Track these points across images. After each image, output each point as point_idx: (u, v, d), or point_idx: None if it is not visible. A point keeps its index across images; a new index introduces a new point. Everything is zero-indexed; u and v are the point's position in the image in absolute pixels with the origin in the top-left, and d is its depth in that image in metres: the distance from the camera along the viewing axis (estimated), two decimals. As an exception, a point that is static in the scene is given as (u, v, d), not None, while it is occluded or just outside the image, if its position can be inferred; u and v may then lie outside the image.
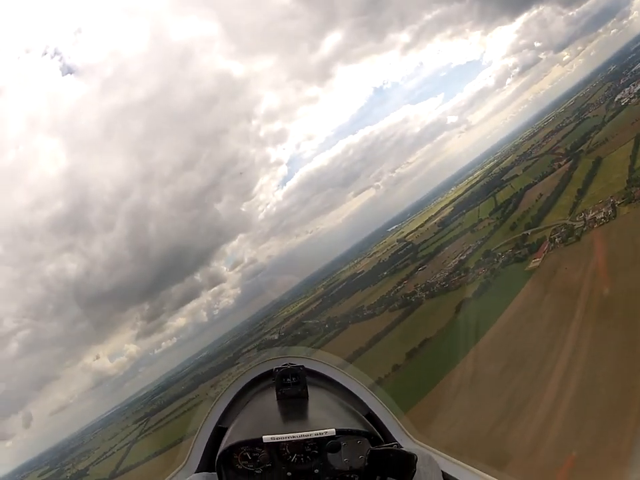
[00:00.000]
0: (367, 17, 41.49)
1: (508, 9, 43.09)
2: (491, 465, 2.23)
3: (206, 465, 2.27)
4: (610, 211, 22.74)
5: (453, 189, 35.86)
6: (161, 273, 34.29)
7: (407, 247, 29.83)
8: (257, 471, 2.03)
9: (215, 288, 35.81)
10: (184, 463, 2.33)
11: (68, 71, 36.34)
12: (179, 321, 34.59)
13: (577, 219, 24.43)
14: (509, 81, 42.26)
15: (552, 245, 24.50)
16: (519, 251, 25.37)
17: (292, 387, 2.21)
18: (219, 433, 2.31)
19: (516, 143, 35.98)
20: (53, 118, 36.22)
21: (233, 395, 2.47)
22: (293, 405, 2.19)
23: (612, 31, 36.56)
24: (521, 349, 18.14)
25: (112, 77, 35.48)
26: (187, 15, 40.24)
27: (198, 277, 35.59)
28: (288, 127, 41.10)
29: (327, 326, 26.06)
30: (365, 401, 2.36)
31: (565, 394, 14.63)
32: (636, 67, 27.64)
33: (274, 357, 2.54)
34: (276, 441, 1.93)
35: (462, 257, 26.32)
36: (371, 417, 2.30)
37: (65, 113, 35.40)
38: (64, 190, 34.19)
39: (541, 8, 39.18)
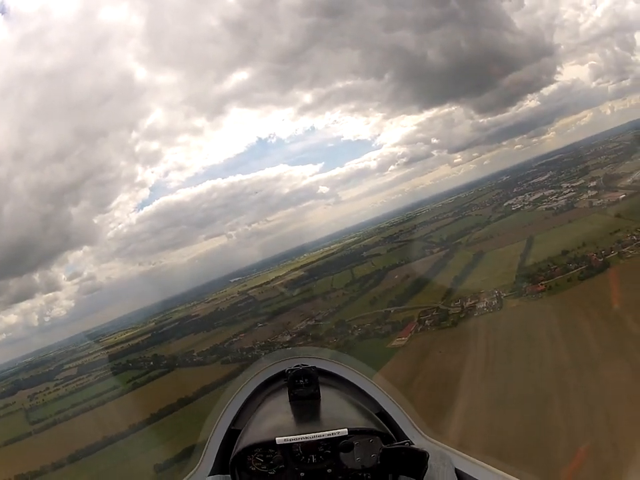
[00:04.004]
0: (283, 66, 41.62)
1: (422, 100, 44.23)
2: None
3: (219, 467, 2.25)
4: (495, 301, 21.28)
5: (305, 255, 34.22)
6: (2, 260, 31.91)
7: (249, 301, 28.78)
8: (271, 472, 2.00)
9: (50, 294, 34.21)
10: (197, 466, 2.30)
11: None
12: (11, 317, 32.71)
13: (453, 305, 22.65)
14: (392, 167, 41.55)
15: (421, 326, 22.52)
16: (379, 327, 23.48)
17: (304, 388, 2.17)
18: (231, 435, 2.26)
19: (382, 226, 34.72)
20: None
21: (246, 396, 2.43)
22: (306, 406, 2.16)
23: (516, 146, 38.00)
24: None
25: (19, 38, 33.50)
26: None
27: (37, 277, 33.63)
28: (164, 150, 41.00)
29: (151, 363, 24.83)
30: (377, 400, 2.33)
31: None
32: (534, 180, 28.37)
33: (285, 357, 2.47)
34: (289, 442, 1.92)
35: (310, 322, 25.05)
36: (383, 415, 2.26)
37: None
38: None
39: (453, 108, 39.72)
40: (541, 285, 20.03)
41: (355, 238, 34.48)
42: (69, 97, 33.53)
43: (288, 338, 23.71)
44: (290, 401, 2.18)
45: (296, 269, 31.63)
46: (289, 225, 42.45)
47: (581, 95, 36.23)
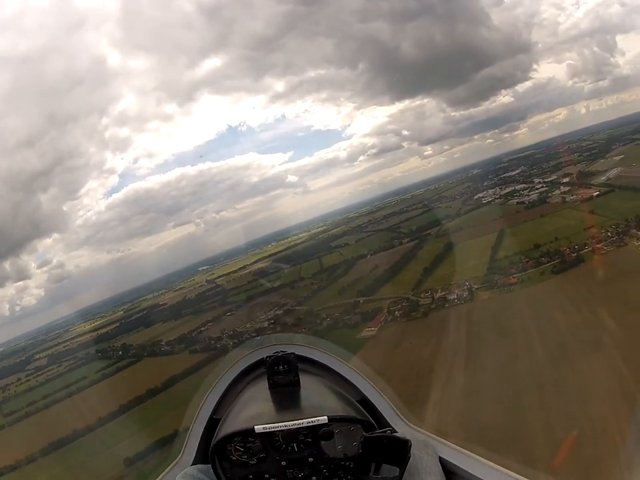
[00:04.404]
0: (256, 53, 40.33)
1: (394, 91, 43.46)
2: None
3: (201, 457, 2.25)
4: (465, 293, 21.28)
5: (273, 244, 34.42)
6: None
7: (217, 289, 28.83)
8: (251, 462, 1.98)
9: (20, 283, 33.52)
10: (180, 456, 2.30)
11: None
12: (-19, 307, 32.14)
13: (423, 296, 22.56)
14: (361, 158, 40.83)
15: (391, 316, 22.33)
16: (348, 317, 23.19)
17: (283, 375, 2.14)
18: (213, 424, 2.24)
19: (350, 216, 34.42)
20: None
21: (226, 385, 2.41)
22: (285, 394, 2.13)
23: (488, 141, 37.51)
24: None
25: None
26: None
27: (7, 265, 32.63)
28: (134, 137, 38.99)
29: (120, 353, 24.65)
30: (358, 387, 2.31)
31: None
32: (505, 174, 28.46)
33: (265, 344, 2.45)
34: (268, 430, 1.88)
35: (278, 311, 24.75)
36: (365, 402, 2.25)
37: None
38: None
39: (426, 100, 38.75)
40: (513, 277, 20.04)
41: (323, 227, 34.21)
42: (41, 82, 32.00)
43: (256, 327, 23.41)
44: (269, 388, 2.15)
45: (264, 258, 31.46)
46: (257, 214, 42.14)
47: (555, 93, 36.52)
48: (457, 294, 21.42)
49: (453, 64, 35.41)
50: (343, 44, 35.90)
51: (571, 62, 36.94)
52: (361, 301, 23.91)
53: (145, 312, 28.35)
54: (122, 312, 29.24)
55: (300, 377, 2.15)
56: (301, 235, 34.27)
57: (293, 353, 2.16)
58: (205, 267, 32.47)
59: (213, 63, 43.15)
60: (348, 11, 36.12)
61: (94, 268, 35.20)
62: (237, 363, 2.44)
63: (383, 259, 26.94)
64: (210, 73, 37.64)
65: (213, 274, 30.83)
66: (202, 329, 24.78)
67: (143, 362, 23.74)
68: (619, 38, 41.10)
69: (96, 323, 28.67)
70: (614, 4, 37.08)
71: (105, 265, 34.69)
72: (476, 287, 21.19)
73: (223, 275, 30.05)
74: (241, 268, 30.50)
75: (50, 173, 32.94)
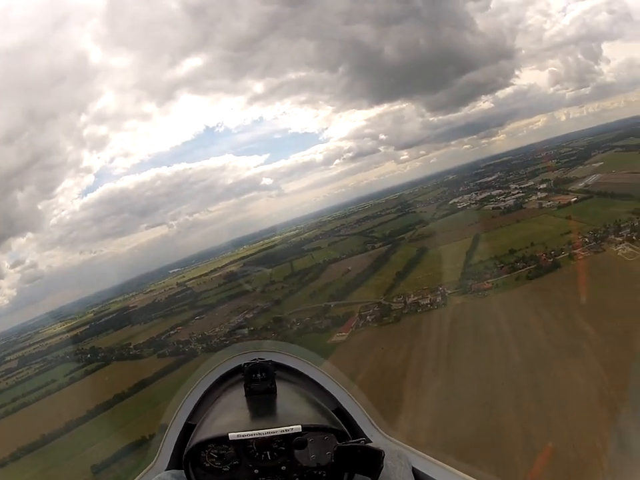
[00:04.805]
0: (237, 53, 39.29)
1: (373, 95, 42.70)
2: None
3: (175, 462, 2.24)
4: (439, 298, 20.94)
5: (245, 246, 34.09)
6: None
7: (187, 292, 28.65)
8: (225, 469, 1.98)
9: None
10: (154, 460, 2.30)
11: None
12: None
13: (395, 300, 22.22)
14: (337, 162, 40.41)
15: (362, 321, 21.94)
16: (318, 321, 22.76)
17: (260, 383, 2.15)
18: (188, 429, 2.22)
19: (323, 220, 34.07)
20: None
21: (203, 390, 2.40)
22: (261, 401, 2.13)
23: (465, 146, 36.94)
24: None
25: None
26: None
27: None
28: (111, 135, 37.59)
29: (88, 356, 24.47)
30: (334, 395, 2.32)
31: None
32: (481, 180, 28.39)
33: (243, 351, 2.47)
34: (242, 438, 1.89)
35: (248, 315, 24.44)
36: (341, 411, 2.26)
37: None
38: None
39: (405, 105, 38.55)
40: (488, 282, 19.71)
41: (296, 231, 33.87)
42: (21, 77, 31.00)
43: (225, 331, 23.31)
44: (245, 395, 2.16)
45: (235, 261, 31.33)
46: (230, 216, 41.09)
47: (536, 100, 36.46)
48: (430, 299, 21.04)
49: (436, 69, 35.40)
50: (325, 46, 35.65)
51: (554, 69, 36.80)
52: (332, 305, 23.42)
53: (114, 314, 28.29)
54: (92, 314, 29.18)
55: (277, 384, 2.15)
56: (273, 238, 34.01)
57: (271, 361, 2.17)
58: (176, 270, 32.39)
59: (194, 62, 42.54)
60: (333, 12, 35.97)
61: (66, 268, 34.37)
62: (214, 369, 2.45)
63: (356, 263, 26.47)
64: (190, 72, 37.47)
65: (184, 277, 30.76)
66: (171, 332, 24.63)
67: (111, 365, 23.61)
68: (605, 45, 41.47)
69: (66, 325, 28.33)
70: (602, 11, 36.54)
71: (77, 266, 33.91)
72: (449, 291, 20.85)
73: (194, 278, 29.95)
74: (212, 271, 30.37)
75: (27, 171, 32.57)
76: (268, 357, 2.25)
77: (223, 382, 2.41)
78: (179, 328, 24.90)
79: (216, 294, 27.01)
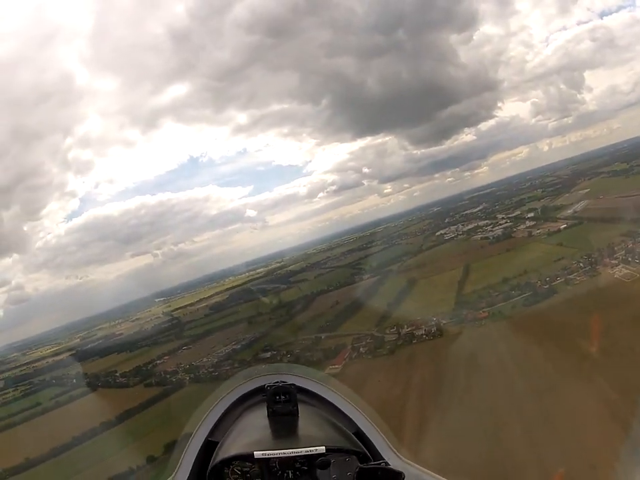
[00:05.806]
0: (220, 83, 41.53)
1: (356, 128, 43.67)
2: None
3: (195, 477, 2.24)
4: (434, 329, 20.61)
5: (230, 278, 33.77)
6: None
7: (173, 322, 28.45)
8: None
9: None
10: (173, 475, 2.28)
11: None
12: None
13: (388, 332, 21.85)
14: (321, 195, 41.16)
15: (355, 353, 21.63)
16: (309, 353, 22.40)
17: (283, 405, 2.19)
18: (208, 446, 2.26)
19: (308, 252, 34.18)
20: None
21: (224, 409, 2.43)
22: (284, 422, 2.18)
23: (448, 179, 37.99)
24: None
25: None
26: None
27: None
28: (96, 160, 39.31)
29: (74, 381, 24.11)
30: (353, 419, 2.34)
31: None
32: (467, 211, 28.55)
33: (265, 372, 2.51)
34: (267, 456, 1.95)
35: (235, 346, 24.03)
36: (360, 434, 2.28)
37: None
38: None
39: (387, 138, 39.36)
40: (483, 311, 19.62)
41: (282, 262, 33.75)
42: (9, 94, 31.71)
43: (214, 361, 22.97)
44: (268, 416, 2.20)
45: (221, 292, 31.04)
46: (215, 247, 42.16)
47: (518, 131, 37.46)
48: (425, 329, 20.75)
49: (418, 102, 36.16)
50: (308, 78, 36.32)
51: (536, 100, 37.63)
52: (323, 337, 22.94)
53: (100, 341, 28.07)
54: (78, 339, 29.04)
55: (298, 406, 2.20)
56: (258, 270, 33.71)
57: (294, 384, 2.22)
58: (162, 299, 31.99)
59: (178, 90, 43.03)
60: (316, 44, 36.70)
61: (52, 293, 34.86)
62: (236, 388, 2.49)
63: (344, 294, 26.25)
64: (174, 101, 38.25)
65: (170, 306, 30.48)
66: (157, 361, 24.28)
67: (96, 393, 23.20)
68: (587, 74, 42.67)
69: (53, 349, 28.19)
70: (584, 39, 37.58)
71: (63, 291, 34.42)
72: (444, 321, 20.62)
73: (180, 308, 29.70)
74: (198, 301, 30.21)
75: (13, 191, 32.82)
76: (289, 380, 2.29)
77: (244, 401, 2.45)
78: (165, 357, 24.68)
79: (202, 324, 26.90)
